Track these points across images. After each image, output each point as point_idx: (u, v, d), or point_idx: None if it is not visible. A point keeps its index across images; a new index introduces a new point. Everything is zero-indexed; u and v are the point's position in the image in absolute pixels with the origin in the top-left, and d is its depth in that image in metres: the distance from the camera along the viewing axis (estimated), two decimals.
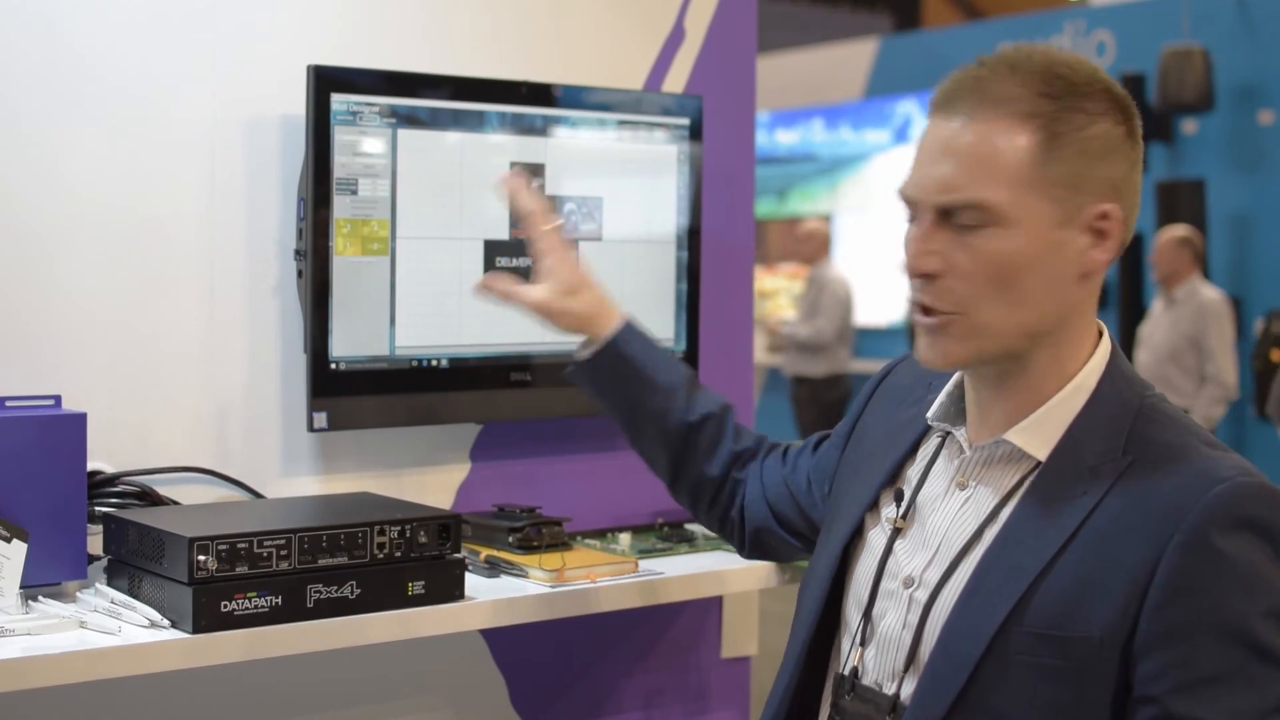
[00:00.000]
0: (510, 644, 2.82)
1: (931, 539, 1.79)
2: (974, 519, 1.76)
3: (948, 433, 1.85)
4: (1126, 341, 9.31)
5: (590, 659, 2.93)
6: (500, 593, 2.36)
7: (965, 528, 1.76)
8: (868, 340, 11.36)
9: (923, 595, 1.75)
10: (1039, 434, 1.74)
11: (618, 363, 2.22)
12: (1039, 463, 1.74)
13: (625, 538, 2.71)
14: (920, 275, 1.72)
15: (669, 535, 2.78)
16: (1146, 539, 1.62)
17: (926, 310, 1.73)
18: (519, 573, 2.44)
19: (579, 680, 2.93)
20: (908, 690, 1.74)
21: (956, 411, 1.86)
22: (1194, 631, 1.59)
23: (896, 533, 1.83)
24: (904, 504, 1.84)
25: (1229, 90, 9.57)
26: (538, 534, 2.52)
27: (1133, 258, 9.78)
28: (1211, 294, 7.86)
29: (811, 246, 9.78)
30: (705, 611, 3.04)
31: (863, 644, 1.82)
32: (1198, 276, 7.98)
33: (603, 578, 2.46)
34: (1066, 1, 14.34)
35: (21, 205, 2.32)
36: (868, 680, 1.80)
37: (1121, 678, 1.62)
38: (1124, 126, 1.73)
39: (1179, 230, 8.06)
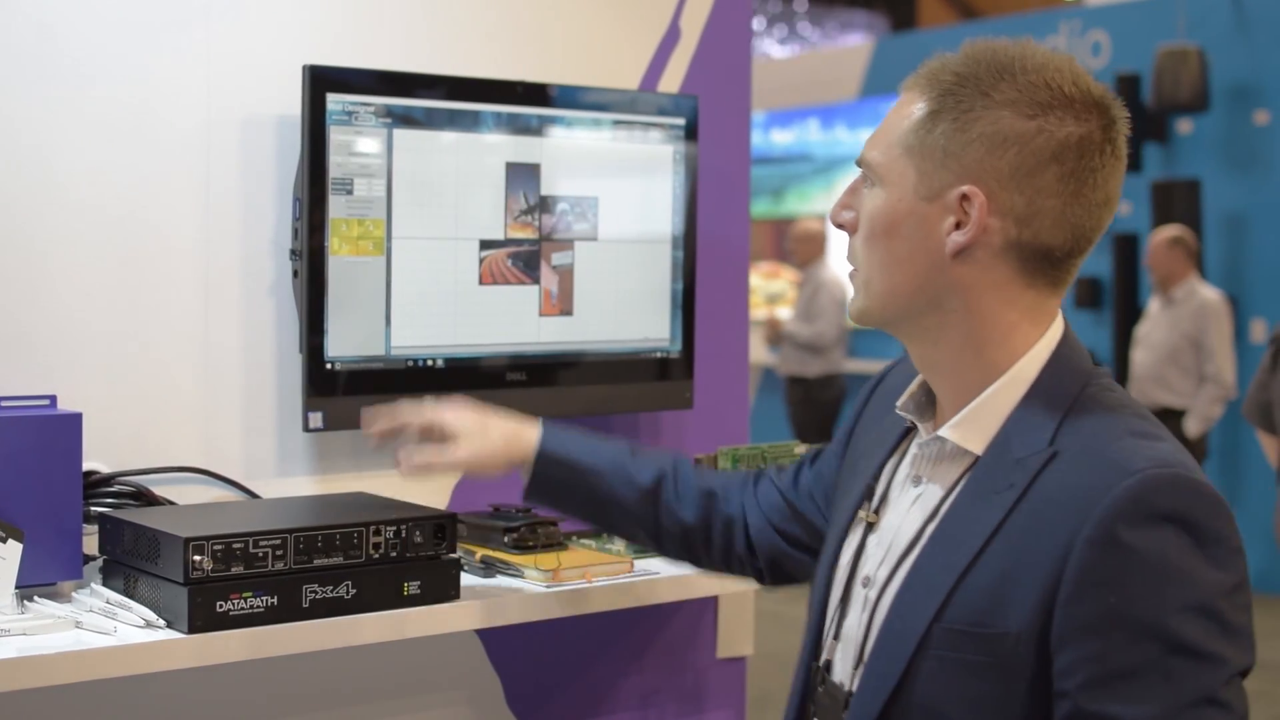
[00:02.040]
0: (506, 644, 2.82)
1: (886, 536, 1.80)
2: (920, 515, 1.76)
3: (912, 424, 1.86)
4: (1123, 342, 9.32)
5: (586, 659, 2.93)
6: (496, 593, 2.36)
7: (912, 524, 1.76)
8: (862, 339, 11.36)
9: (873, 594, 1.77)
10: (975, 428, 1.73)
11: (555, 469, 2.17)
12: (976, 457, 1.73)
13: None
14: (837, 225, 1.79)
15: None
16: (1060, 533, 1.60)
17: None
18: (514, 573, 2.44)
19: (574, 680, 2.93)
20: (856, 685, 1.76)
21: (928, 403, 1.85)
22: (1105, 627, 1.57)
23: (869, 529, 1.83)
24: (875, 500, 1.85)
25: (1224, 90, 9.57)
26: (533, 534, 2.52)
27: (1126, 258, 9.79)
28: (1210, 294, 7.88)
29: (809, 247, 9.77)
30: (701, 611, 3.04)
31: (835, 638, 1.83)
32: (1195, 276, 7.99)
33: (598, 578, 2.46)
34: (1062, 1, 14.34)
35: (17, 205, 2.32)
36: (835, 675, 1.82)
37: (1042, 672, 1.61)
38: (1032, 123, 1.67)
39: (1170, 231, 8.07)
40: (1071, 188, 1.68)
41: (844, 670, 1.80)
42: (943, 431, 1.74)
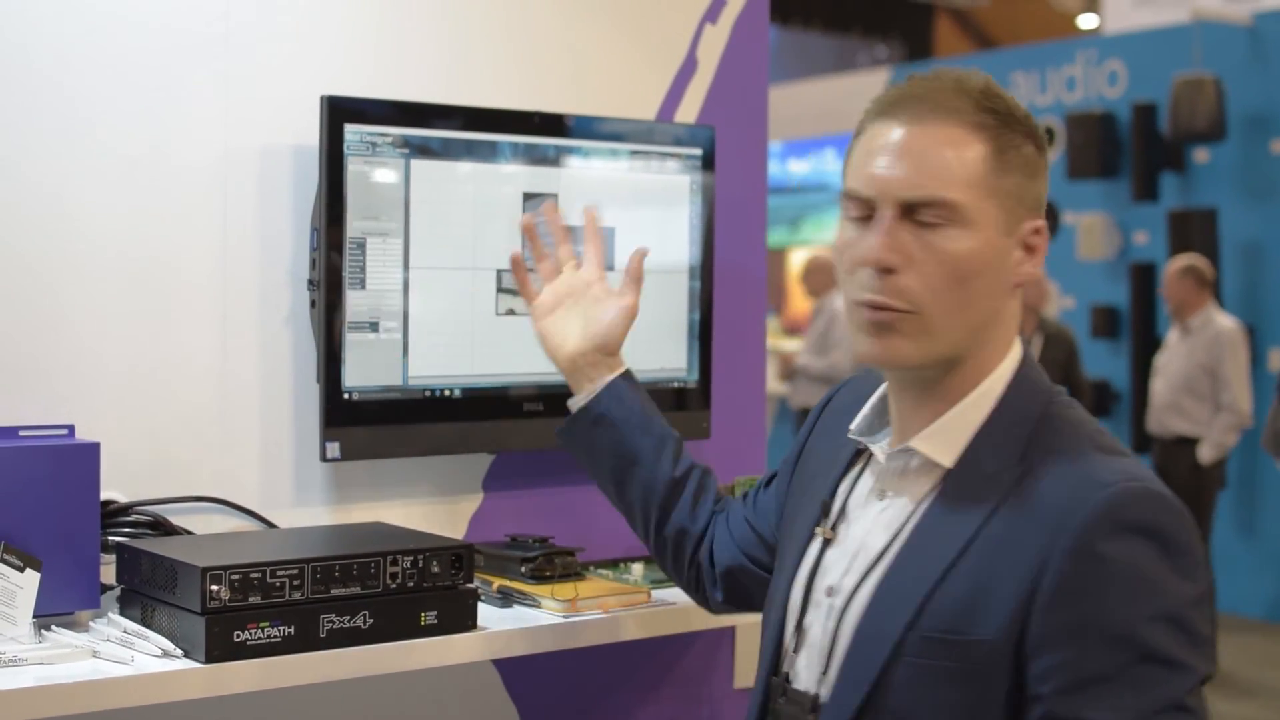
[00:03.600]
0: (523, 674, 2.81)
1: (850, 548, 1.84)
2: (888, 527, 1.81)
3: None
4: (1140, 371, 9.30)
5: (603, 689, 2.92)
6: (513, 623, 2.35)
7: (880, 536, 1.81)
8: None
9: (839, 602, 1.81)
10: (944, 441, 1.79)
11: (621, 401, 2.27)
12: (947, 471, 1.78)
13: (638, 568, 2.71)
14: (882, 269, 1.75)
15: None
16: (1035, 545, 1.66)
17: (877, 307, 1.77)
18: (532, 603, 2.44)
19: (591, 711, 2.92)
20: (825, 691, 1.80)
21: (880, 423, 1.91)
22: (1079, 634, 1.62)
23: (826, 544, 1.88)
24: (832, 516, 1.89)
25: (1241, 119, 9.57)
26: (550, 564, 2.51)
27: (1143, 288, 9.77)
28: (1227, 322, 7.87)
29: (821, 278, 9.77)
30: (718, 642, 3.03)
31: (795, 651, 1.87)
32: (1212, 305, 7.99)
33: (615, 608, 2.46)
34: (1078, 31, 14.34)
35: (35, 235, 2.33)
36: (799, 685, 1.85)
37: (1016, 679, 1.66)
38: (1043, 156, 1.82)
39: (1182, 260, 8.08)
40: None
41: (809, 678, 1.84)
42: (914, 443, 1.80)
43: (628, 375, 2.30)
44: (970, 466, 1.76)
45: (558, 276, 2.36)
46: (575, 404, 2.30)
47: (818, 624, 1.84)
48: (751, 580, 2.20)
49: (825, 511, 1.90)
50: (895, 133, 1.77)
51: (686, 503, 2.25)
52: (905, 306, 1.75)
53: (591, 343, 2.29)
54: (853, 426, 1.91)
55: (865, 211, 1.78)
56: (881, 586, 1.76)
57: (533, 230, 2.40)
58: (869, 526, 1.83)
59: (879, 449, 1.87)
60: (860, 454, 1.93)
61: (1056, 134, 10.46)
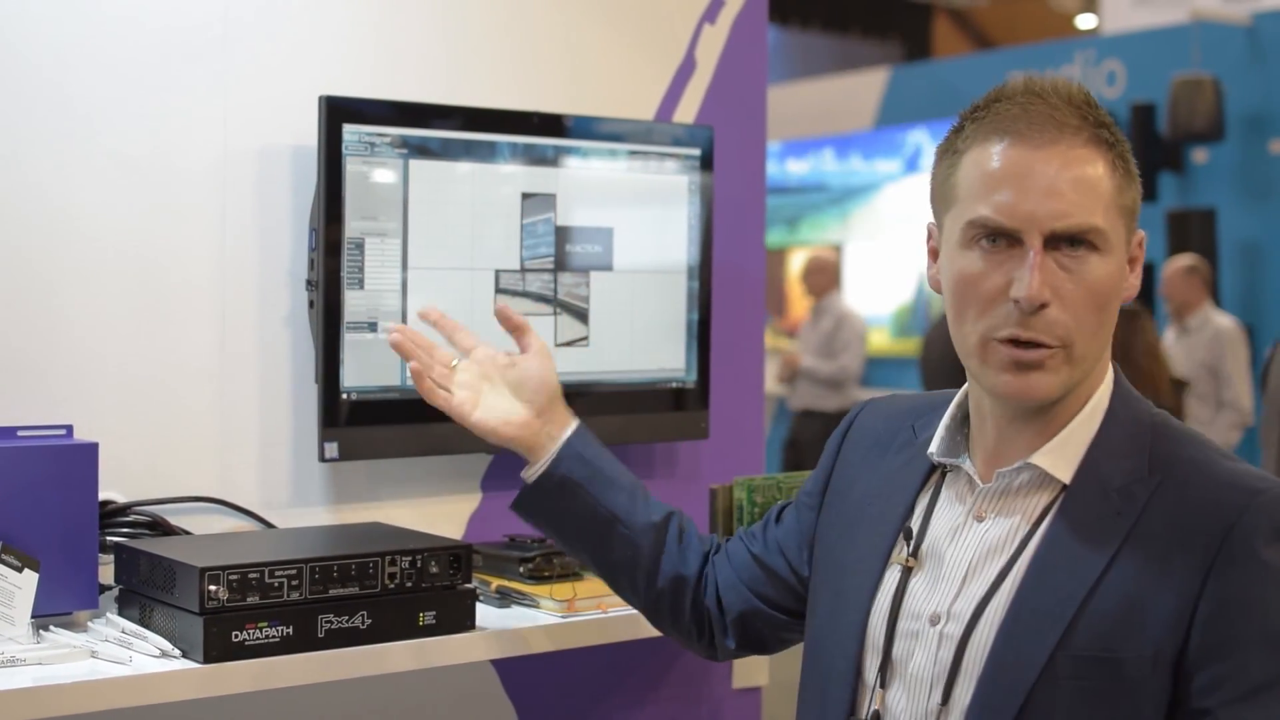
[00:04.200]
0: (521, 674, 2.81)
1: (952, 574, 1.76)
2: (1002, 549, 1.74)
3: (950, 467, 1.84)
4: None
5: (601, 690, 2.92)
6: (511, 623, 2.36)
7: (993, 559, 1.74)
8: (880, 369, 11.35)
9: (955, 630, 1.72)
10: (1062, 456, 1.74)
11: (583, 459, 2.10)
12: (1063, 487, 1.73)
13: None
14: (1039, 305, 1.66)
15: None
16: (1190, 555, 1.63)
17: (1022, 343, 1.68)
18: (530, 603, 2.44)
19: (590, 711, 2.92)
20: None
21: (956, 445, 1.84)
22: (1247, 642, 1.61)
23: (908, 572, 1.80)
24: (913, 542, 1.81)
25: (1239, 119, 9.58)
26: (549, 564, 2.51)
27: (1143, 288, 9.77)
28: (1226, 321, 7.88)
29: (822, 279, 9.73)
30: None
31: (883, 687, 1.78)
32: (1210, 304, 8.00)
33: (614, 608, 2.45)
34: (1077, 31, 14.35)
35: (34, 235, 2.33)
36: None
37: (1174, 693, 1.63)
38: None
39: (1185, 260, 8.08)
40: None
41: (912, 712, 1.75)
42: (1034, 459, 1.74)
43: (579, 428, 2.13)
44: (1090, 480, 1.72)
45: (452, 377, 2.15)
46: (531, 474, 2.11)
47: (921, 655, 1.75)
48: (766, 622, 2.07)
49: (907, 537, 1.82)
50: (1021, 156, 1.68)
51: (673, 548, 2.10)
52: (1056, 342, 1.68)
53: (542, 395, 2.12)
54: (933, 450, 1.84)
55: (998, 240, 1.69)
56: (1015, 608, 1.68)
57: (404, 346, 2.16)
58: (971, 549, 1.76)
59: (972, 470, 1.80)
60: (929, 478, 1.86)
61: None
